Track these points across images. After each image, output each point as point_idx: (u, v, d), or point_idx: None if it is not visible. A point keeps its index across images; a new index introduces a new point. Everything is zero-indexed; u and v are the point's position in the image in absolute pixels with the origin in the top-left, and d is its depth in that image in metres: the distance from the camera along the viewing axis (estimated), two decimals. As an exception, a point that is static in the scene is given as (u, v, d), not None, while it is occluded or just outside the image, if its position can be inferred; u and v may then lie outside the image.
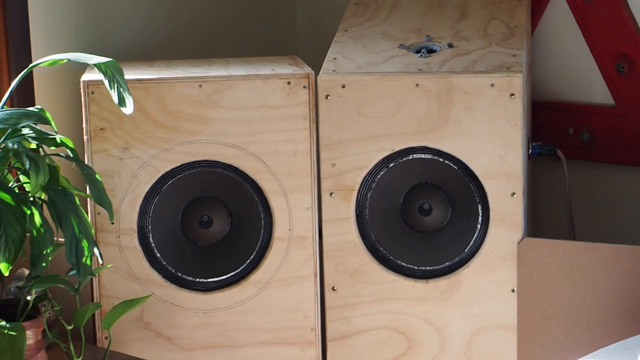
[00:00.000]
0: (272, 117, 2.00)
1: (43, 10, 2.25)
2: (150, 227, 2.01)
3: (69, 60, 1.68)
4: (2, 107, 1.67)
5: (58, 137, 1.69)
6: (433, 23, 2.26)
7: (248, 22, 2.78)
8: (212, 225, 2.06)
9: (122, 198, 1.98)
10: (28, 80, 2.21)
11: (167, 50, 2.54)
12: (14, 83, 1.70)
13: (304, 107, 2.01)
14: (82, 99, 1.93)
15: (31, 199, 1.62)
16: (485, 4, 2.34)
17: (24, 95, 2.20)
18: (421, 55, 2.09)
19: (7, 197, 1.49)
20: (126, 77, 1.81)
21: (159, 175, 1.99)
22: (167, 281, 2.03)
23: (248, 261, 2.05)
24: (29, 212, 1.50)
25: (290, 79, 2.00)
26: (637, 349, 1.69)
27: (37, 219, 1.61)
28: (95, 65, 1.67)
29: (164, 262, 2.03)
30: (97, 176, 1.71)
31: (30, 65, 1.74)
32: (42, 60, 1.71)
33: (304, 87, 2.00)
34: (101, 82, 1.90)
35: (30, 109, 1.65)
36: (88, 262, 1.61)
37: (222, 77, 1.98)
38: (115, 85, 1.68)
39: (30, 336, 1.64)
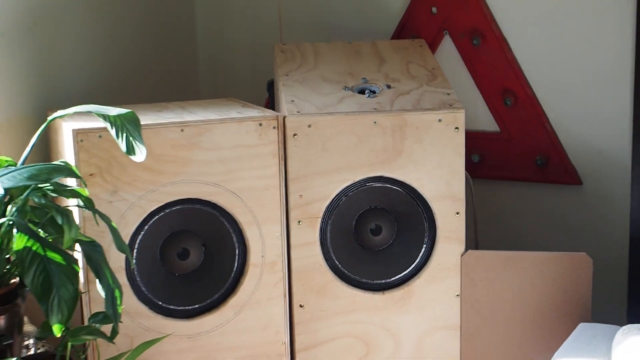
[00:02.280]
0: (246, 156, 2.19)
1: (3, 70, 2.36)
2: (135, 262, 2.18)
3: (90, 112, 1.81)
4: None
5: (75, 188, 1.83)
6: (359, 67, 2.52)
7: (157, 68, 3.01)
8: (189, 257, 2.25)
9: (111, 238, 2.13)
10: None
11: (99, 95, 2.71)
12: (35, 136, 1.80)
13: (274, 146, 2.23)
14: (72, 147, 2.05)
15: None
16: (394, 50, 2.63)
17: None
18: (369, 96, 2.36)
19: (57, 257, 1.55)
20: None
21: (145, 215, 2.13)
22: (153, 312, 2.19)
23: (225, 287, 2.27)
24: (79, 269, 1.60)
25: (261, 120, 2.21)
26: (599, 340, 2.08)
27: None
28: (112, 117, 1.81)
29: (150, 295, 2.18)
30: (113, 224, 1.86)
31: (50, 117, 1.85)
32: (64, 112, 1.82)
33: (274, 127, 2.22)
34: (90, 130, 2.06)
35: (58, 163, 1.73)
36: (120, 310, 1.77)
37: (201, 122, 2.15)
38: (124, 134, 1.82)
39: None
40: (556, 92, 2.69)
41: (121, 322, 1.87)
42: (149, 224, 2.16)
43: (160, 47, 3.02)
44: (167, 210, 2.17)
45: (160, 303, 2.20)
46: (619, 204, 2.66)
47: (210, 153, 2.17)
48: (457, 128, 2.28)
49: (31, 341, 2.04)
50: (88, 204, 1.83)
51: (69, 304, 1.57)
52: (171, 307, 2.22)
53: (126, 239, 2.12)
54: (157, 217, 2.16)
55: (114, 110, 1.78)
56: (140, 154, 1.81)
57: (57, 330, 1.58)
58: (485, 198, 2.80)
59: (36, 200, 1.68)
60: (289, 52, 2.60)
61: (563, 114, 2.69)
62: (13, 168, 1.65)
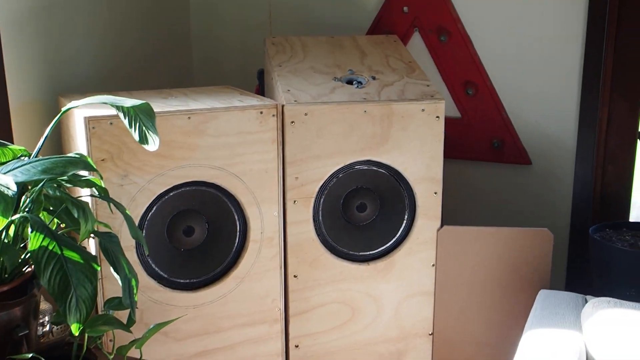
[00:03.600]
0: (248, 141, 1.82)
1: (17, 56, 1.91)
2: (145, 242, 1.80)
3: (104, 102, 1.41)
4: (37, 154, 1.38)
5: (90, 178, 1.44)
6: (344, 60, 2.14)
7: (156, 60, 2.57)
8: (193, 233, 1.88)
9: (122, 220, 1.74)
10: (5, 113, 1.87)
11: (107, 83, 2.28)
12: (49, 128, 1.39)
13: (273, 132, 1.85)
14: (85, 134, 1.65)
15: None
16: (372, 44, 2.26)
17: (2, 128, 1.86)
18: (357, 87, 2.00)
19: (75, 256, 1.16)
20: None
21: (154, 197, 1.74)
22: (161, 286, 1.82)
23: (227, 261, 1.90)
24: (98, 267, 1.25)
25: (262, 109, 1.83)
26: (564, 309, 1.79)
27: (85, 263, 1.38)
28: (125, 107, 1.42)
29: (158, 270, 1.82)
30: (127, 212, 1.48)
31: (63, 109, 1.44)
32: (78, 102, 1.42)
33: (273, 115, 1.85)
34: (101, 117, 1.65)
35: (72, 155, 1.32)
36: (136, 298, 1.40)
37: (207, 110, 1.76)
38: (137, 124, 1.44)
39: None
40: (511, 84, 2.36)
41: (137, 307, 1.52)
42: (157, 204, 1.77)
43: (160, 39, 2.58)
44: (174, 192, 1.79)
45: (167, 277, 1.83)
46: (564, 181, 2.37)
47: (216, 139, 1.78)
48: (437, 117, 1.93)
49: (46, 318, 1.65)
50: (103, 193, 1.44)
51: (88, 303, 1.19)
52: (177, 280, 1.84)
53: (136, 219, 1.73)
54: (164, 198, 1.78)
55: (128, 102, 1.38)
56: (154, 144, 1.42)
57: (75, 329, 1.20)
58: (447, 176, 2.47)
59: (51, 192, 1.28)
60: (279, 45, 2.21)
61: (517, 103, 2.37)
62: (27, 160, 1.24)
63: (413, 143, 1.94)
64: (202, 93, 2.02)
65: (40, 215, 1.35)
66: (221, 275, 1.89)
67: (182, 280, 1.84)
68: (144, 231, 1.77)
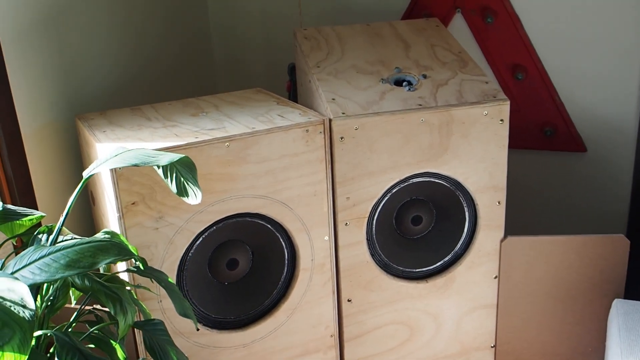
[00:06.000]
0: (293, 164, 1.48)
1: (24, 74, 1.54)
2: (185, 282, 1.49)
3: (135, 165, 1.08)
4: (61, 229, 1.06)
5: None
6: (387, 54, 1.77)
7: (176, 65, 2.18)
8: (237, 266, 1.57)
9: (161, 265, 1.42)
10: (17, 139, 1.52)
11: (124, 94, 1.91)
12: (71, 199, 1.05)
13: (321, 151, 1.51)
14: (110, 176, 1.32)
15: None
16: (414, 32, 1.88)
17: (15, 155, 1.52)
18: (408, 89, 1.65)
19: None
20: (147, 144, 1.25)
21: (193, 237, 1.43)
22: (207, 328, 1.53)
23: (275, 292, 1.60)
24: None
25: (308, 126, 1.48)
26: None
27: (121, 355, 1.07)
28: (163, 166, 1.09)
29: (203, 311, 1.52)
30: (170, 280, 1.17)
31: (86, 176, 1.08)
32: (101, 166, 1.07)
33: (320, 132, 1.51)
34: (128, 157, 1.33)
35: (102, 238, 1.02)
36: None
37: (247, 134, 1.43)
38: (174, 174, 1.11)
39: None
40: (565, 66, 2.00)
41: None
42: (197, 242, 1.46)
43: (179, 42, 2.19)
44: (214, 227, 1.47)
45: (213, 316, 1.53)
46: (623, 169, 2.03)
47: (258, 166, 1.44)
48: (502, 120, 1.59)
49: None
50: (144, 264, 1.12)
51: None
52: (225, 319, 1.54)
53: (175, 262, 1.42)
54: (205, 234, 1.46)
55: (164, 158, 1.04)
56: (195, 198, 1.09)
57: None
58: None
59: (78, 281, 0.96)
60: (312, 39, 1.84)
61: (571, 86, 2.01)
62: (46, 251, 0.92)
63: (475, 151, 1.60)
64: (234, 104, 1.66)
65: (70, 292, 1.04)
66: (270, 308, 1.59)
67: (229, 319, 1.54)
68: (184, 272, 1.46)
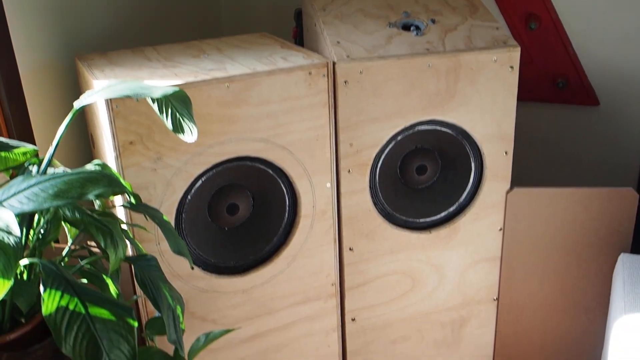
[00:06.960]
0: (295, 107, 1.44)
1: (23, 13, 1.50)
2: (184, 225, 1.47)
3: (127, 96, 1.05)
4: (50, 161, 1.04)
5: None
6: (395, -2, 1.73)
7: (180, 5, 2.12)
8: (238, 211, 1.55)
9: (159, 207, 1.41)
10: (15, 79, 1.49)
11: (126, 36, 1.87)
12: (60, 130, 1.03)
13: (324, 95, 1.47)
14: (107, 114, 1.30)
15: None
16: None
17: (14, 96, 1.49)
18: (416, 34, 1.59)
19: (104, 313, 0.83)
20: (148, 81, 1.22)
21: (192, 179, 1.40)
22: (206, 273, 1.52)
23: (276, 238, 1.58)
24: (135, 324, 0.87)
25: (311, 69, 1.44)
26: None
27: (113, 290, 1.05)
28: (154, 98, 1.06)
29: (203, 256, 1.51)
30: (164, 218, 1.14)
31: (76, 107, 1.05)
32: (93, 97, 1.05)
33: (323, 75, 1.46)
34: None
35: (92, 169, 0.98)
36: (183, 327, 1.09)
37: (248, 75, 1.39)
38: (169, 110, 1.08)
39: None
40: (579, 15, 1.93)
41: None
42: (197, 185, 1.43)
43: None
44: (214, 170, 1.44)
45: (212, 261, 1.51)
46: (636, 123, 1.98)
47: (258, 108, 1.41)
48: (511, 67, 1.54)
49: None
50: (137, 200, 1.10)
51: (127, 366, 0.86)
52: (224, 264, 1.53)
53: (174, 205, 1.40)
54: (204, 177, 1.44)
55: (157, 90, 1.01)
56: (191, 135, 1.06)
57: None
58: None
59: (68, 213, 0.94)
60: (319, -18, 1.79)
61: (585, 37, 1.94)
62: (34, 180, 0.89)
63: (483, 98, 1.55)
64: (237, 47, 1.62)
65: (64, 225, 1.02)
66: (271, 254, 1.57)
67: (228, 264, 1.53)
68: (183, 214, 1.44)
